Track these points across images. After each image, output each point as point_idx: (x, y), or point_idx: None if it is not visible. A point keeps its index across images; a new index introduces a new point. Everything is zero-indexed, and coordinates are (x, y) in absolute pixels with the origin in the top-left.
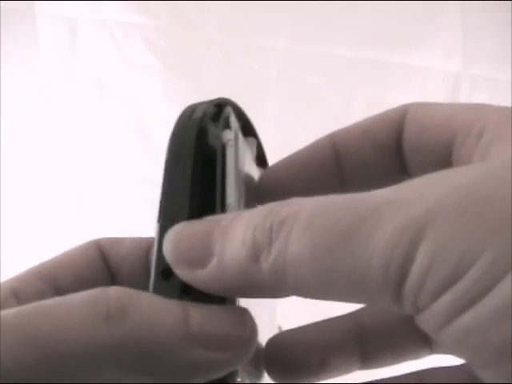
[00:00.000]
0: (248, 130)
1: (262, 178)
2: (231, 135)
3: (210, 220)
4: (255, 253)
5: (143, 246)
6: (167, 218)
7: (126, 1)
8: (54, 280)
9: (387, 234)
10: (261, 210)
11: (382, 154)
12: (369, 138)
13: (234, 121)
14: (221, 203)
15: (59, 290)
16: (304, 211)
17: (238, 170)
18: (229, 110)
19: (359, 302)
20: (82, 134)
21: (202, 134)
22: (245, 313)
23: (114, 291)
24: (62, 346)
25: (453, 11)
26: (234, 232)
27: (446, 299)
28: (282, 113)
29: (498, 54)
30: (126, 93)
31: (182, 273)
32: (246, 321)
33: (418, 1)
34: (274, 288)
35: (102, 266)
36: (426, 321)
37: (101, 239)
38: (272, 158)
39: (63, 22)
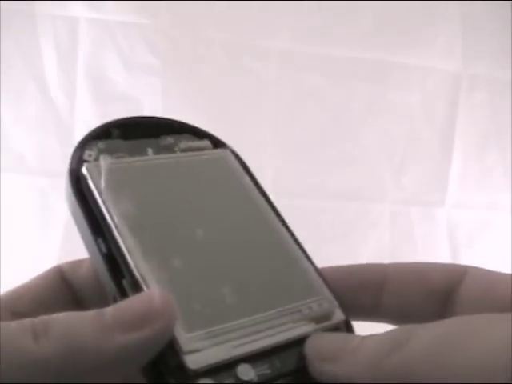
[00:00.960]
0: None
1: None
2: (85, 171)
3: (346, 333)
4: (391, 348)
5: None
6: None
7: (125, 1)
8: (15, 308)
9: (506, 334)
10: (400, 326)
11: (429, 297)
12: (423, 280)
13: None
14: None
15: (21, 317)
16: (434, 325)
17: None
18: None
19: None
20: (82, 134)
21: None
22: (152, 292)
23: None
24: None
25: (453, 11)
26: (372, 337)
27: None
28: (282, 113)
29: (498, 54)
30: (126, 92)
31: (315, 366)
32: (154, 297)
33: (418, 1)
34: (397, 381)
35: (64, 289)
36: None
37: (61, 264)
38: (272, 158)
39: (63, 21)
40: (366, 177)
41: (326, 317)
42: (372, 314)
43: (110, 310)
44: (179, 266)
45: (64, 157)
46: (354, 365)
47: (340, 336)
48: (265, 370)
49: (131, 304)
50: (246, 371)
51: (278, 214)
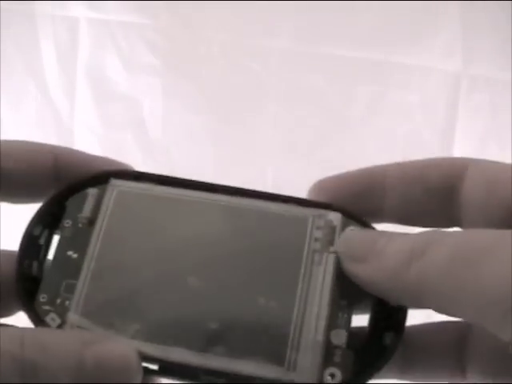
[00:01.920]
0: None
1: (314, 184)
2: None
3: (375, 231)
4: (409, 258)
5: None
6: None
7: (126, 1)
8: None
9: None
10: (419, 233)
11: (429, 197)
12: (421, 178)
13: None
14: None
15: None
16: (451, 236)
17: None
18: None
19: (470, 319)
20: (82, 134)
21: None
22: (130, 353)
23: (29, 347)
24: None
25: (453, 11)
26: (396, 240)
27: None
28: (281, 113)
29: (498, 54)
30: (126, 93)
31: (346, 265)
32: (132, 360)
33: (418, 1)
34: (414, 292)
35: (51, 171)
36: None
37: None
38: (271, 158)
39: (63, 21)
40: None
41: (331, 228)
42: (376, 216)
43: (91, 357)
44: (218, 325)
45: None
46: (377, 270)
47: (369, 235)
48: (345, 317)
49: (111, 361)
50: (339, 335)
51: (212, 188)
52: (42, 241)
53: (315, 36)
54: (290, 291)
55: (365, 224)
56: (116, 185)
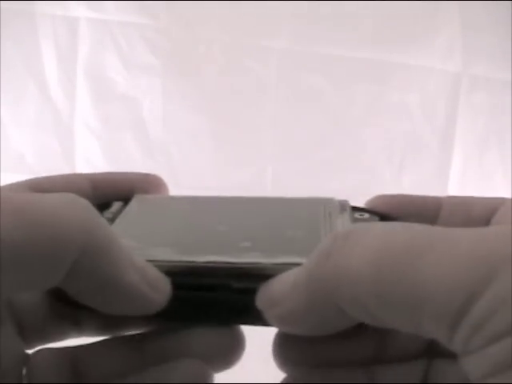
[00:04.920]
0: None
1: (373, 199)
2: None
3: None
4: (322, 256)
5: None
6: None
7: (125, 1)
8: (42, 191)
9: (457, 266)
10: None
11: (470, 225)
12: (467, 209)
13: None
14: None
15: None
16: (373, 230)
17: None
18: None
19: (407, 330)
20: (82, 134)
21: None
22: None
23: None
24: None
25: (452, 11)
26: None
27: (505, 345)
28: (282, 113)
29: (498, 54)
30: (126, 93)
31: (266, 312)
32: (167, 285)
33: (417, 1)
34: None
35: (90, 193)
36: (473, 365)
37: (94, 174)
38: (271, 158)
39: (63, 21)
40: (366, 177)
41: (342, 206)
42: None
43: (139, 262)
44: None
45: (64, 157)
46: (291, 300)
47: (282, 277)
48: None
49: (154, 272)
50: None
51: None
52: None
53: (315, 36)
54: (314, 228)
55: (373, 213)
56: (140, 196)
